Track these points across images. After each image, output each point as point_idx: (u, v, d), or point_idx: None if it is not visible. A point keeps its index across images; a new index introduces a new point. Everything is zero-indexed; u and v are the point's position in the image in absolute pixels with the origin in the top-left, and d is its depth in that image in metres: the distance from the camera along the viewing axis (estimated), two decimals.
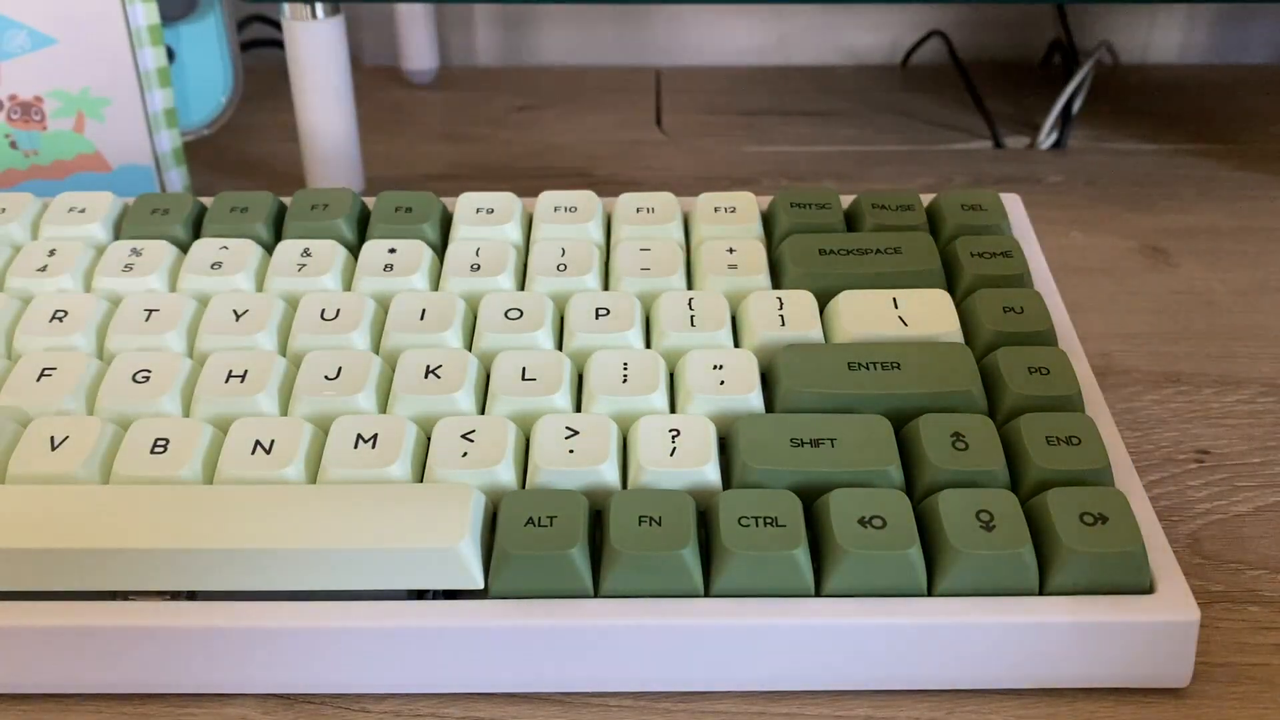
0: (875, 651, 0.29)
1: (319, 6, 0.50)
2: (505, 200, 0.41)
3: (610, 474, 0.31)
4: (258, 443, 0.31)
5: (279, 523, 0.29)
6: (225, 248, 0.38)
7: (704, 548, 0.30)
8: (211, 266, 0.38)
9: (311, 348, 0.35)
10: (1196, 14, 0.66)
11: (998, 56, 0.67)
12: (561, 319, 0.37)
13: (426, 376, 0.33)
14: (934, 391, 0.33)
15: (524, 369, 0.34)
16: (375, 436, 0.32)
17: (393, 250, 0.38)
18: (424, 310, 0.36)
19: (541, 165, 0.57)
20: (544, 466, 0.31)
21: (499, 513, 0.30)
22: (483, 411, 0.34)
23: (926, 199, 0.42)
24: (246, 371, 0.34)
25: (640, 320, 0.36)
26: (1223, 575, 0.33)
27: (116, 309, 0.36)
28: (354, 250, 0.39)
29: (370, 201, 0.41)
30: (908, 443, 0.32)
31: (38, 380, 0.33)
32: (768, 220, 0.41)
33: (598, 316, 0.36)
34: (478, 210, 0.40)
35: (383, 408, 0.33)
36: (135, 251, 0.38)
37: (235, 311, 0.36)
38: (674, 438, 0.32)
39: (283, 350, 0.36)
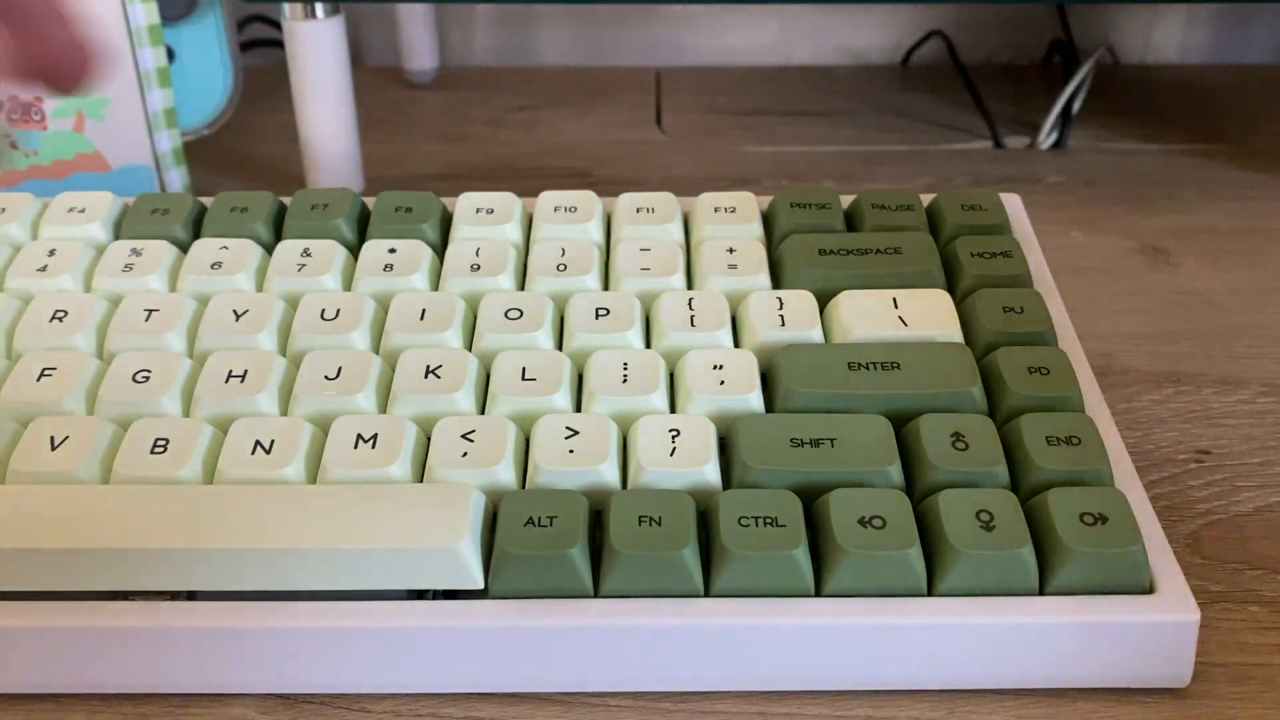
0: (875, 651, 0.29)
1: (319, 6, 0.50)
2: (505, 200, 0.41)
3: (610, 474, 0.31)
4: (258, 443, 0.31)
5: (279, 523, 0.29)
6: (225, 248, 0.38)
7: (704, 548, 0.30)
8: (211, 266, 0.38)
9: (311, 348, 0.35)
10: (1196, 14, 0.66)
11: (998, 56, 0.67)
12: (561, 319, 0.37)
13: (426, 376, 0.33)
14: (934, 391, 0.33)
15: (524, 369, 0.34)
16: (375, 436, 0.32)
17: (393, 250, 0.38)
18: (424, 310, 0.36)
19: (541, 165, 0.57)
20: (544, 466, 0.31)
21: (499, 513, 0.30)
22: (483, 411, 0.34)
23: (926, 199, 0.42)
24: (246, 371, 0.34)
25: (640, 320, 0.36)
26: (1223, 575, 0.33)
27: (116, 309, 0.36)
28: (354, 250, 0.39)
29: (370, 201, 0.41)
30: (908, 443, 0.32)
31: (38, 380, 0.33)
32: (768, 220, 0.41)
33: (598, 316, 0.36)
34: (478, 210, 0.40)
35: (383, 408, 0.33)
36: (135, 251, 0.38)
37: (235, 311, 0.36)
38: (674, 438, 0.32)
39: (283, 350, 0.36)
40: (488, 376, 0.34)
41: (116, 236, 0.40)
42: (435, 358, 0.34)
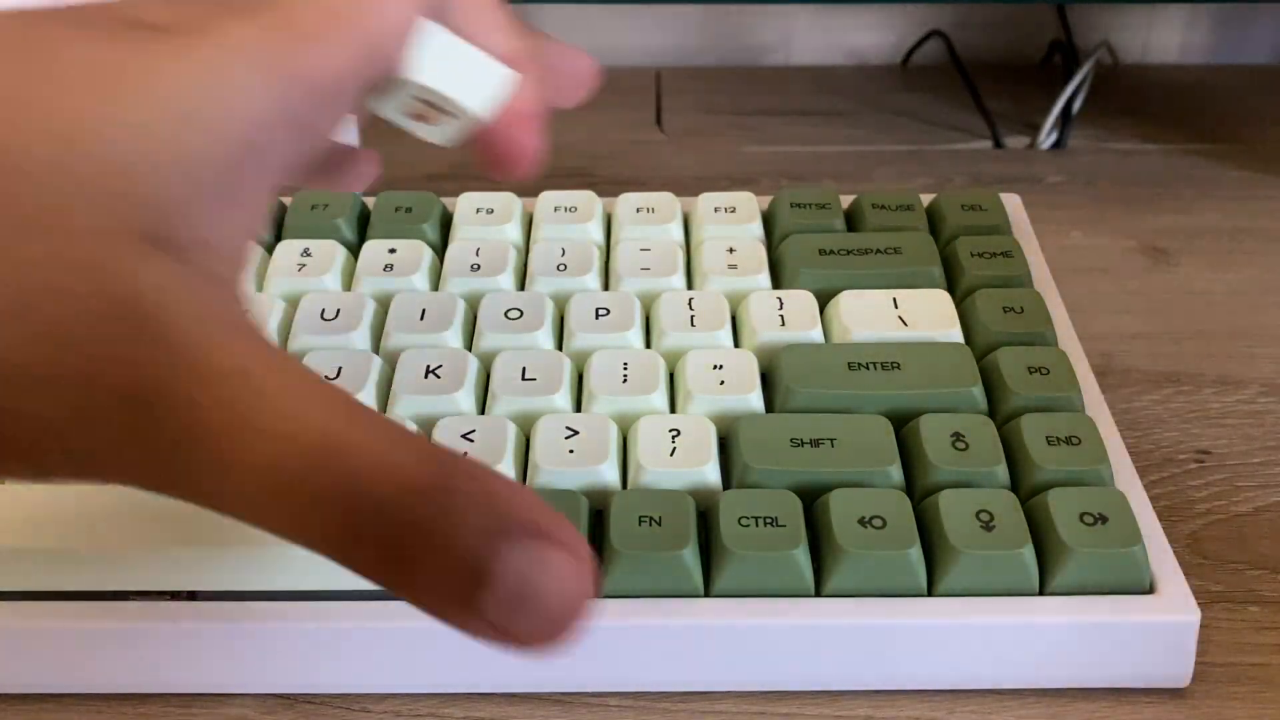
0: (875, 651, 0.29)
1: None
2: (505, 200, 0.41)
3: (610, 474, 0.31)
4: None
5: None
6: None
7: (704, 548, 0.30)
8: None
9: (312, 348, 0.35)
10: (1196, 14, 0.66)
11: (998, 56, 0.67)
12: (561, 319, 0.37)
13: (426, 376, 0.33)
14: (934, 391, 0.33)
15: (524, 369, 0.34)
16: None
17: (393, 250, 0.38)
18: (424, 310, 0.36)
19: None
20: (544, 466, 0.31)
21: None
22: (483, 411, 0.34)
23: (926, 199, 0.42)
24: None
25: (640, 320, 0.36)
26: (1223, 575, 0.33)
27: None
28: (354, 250, 0.39)
29: (370, 201, 0.41)
30: (908, 443, 0.32)
31: None
32: (768, 220, 0.41)
33: (598, 316, 0.36)
34: (478, 210, 0.40)
35: (382, 408, 0.33)
36: None
37: None
38: (674, 438, 0.32)
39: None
40: (488, 376, 0.34)
41: None
42: (435, 358, 0.34)
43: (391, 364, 0.35)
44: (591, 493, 0.31)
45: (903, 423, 0.33)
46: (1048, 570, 0.29)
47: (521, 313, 0.36)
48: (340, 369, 0.34)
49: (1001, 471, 0.31)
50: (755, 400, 0.33)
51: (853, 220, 0.41)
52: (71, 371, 0.19)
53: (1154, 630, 0.29)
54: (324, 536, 0.19)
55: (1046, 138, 0.57)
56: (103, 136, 0.19)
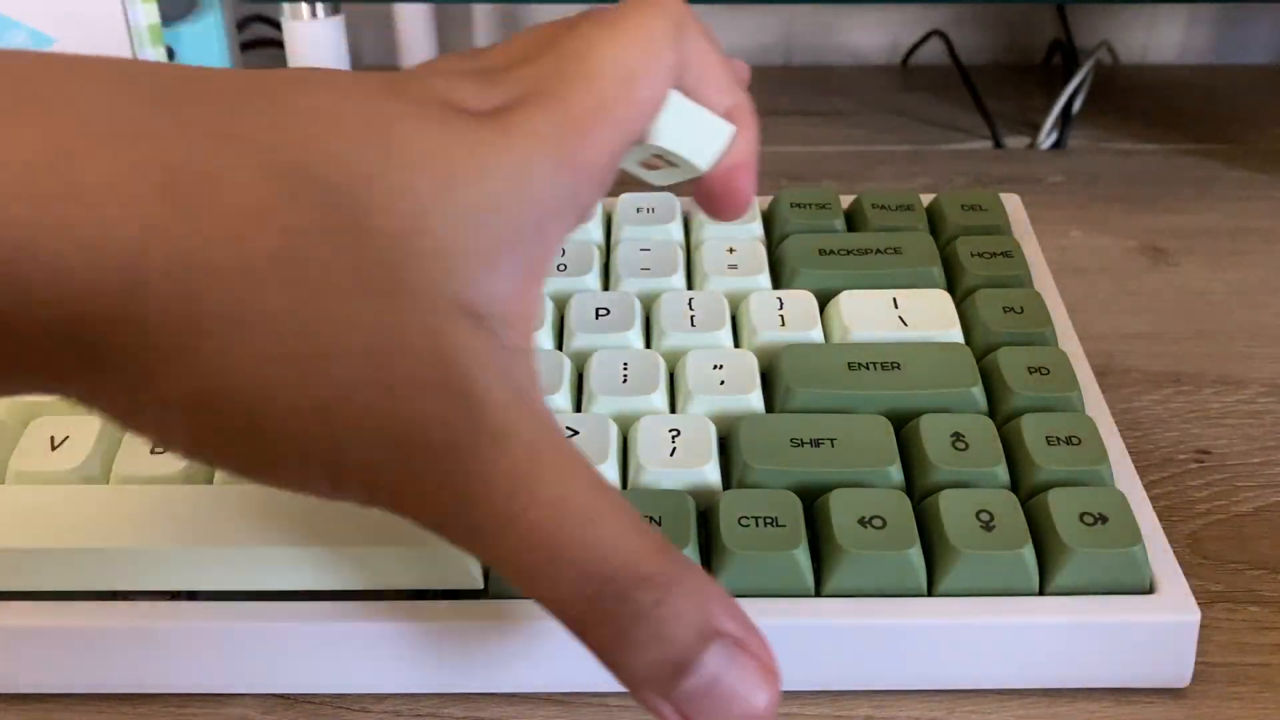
0: (875, 651, 0.29)
1: (319, 6, 0.50)
2: None
3: (610, 474, 0.31)
4: None
5: (280, 522, 0.29)
6: None
7: (704, 548, 0.30)
8: None
9: None
10: (1196, 14, 0.66)
11: (998, 56, 0.67)
12: (561, 319, 0.37)
13: None
14: (934, 391, 0.33)
15: None
16: None
17: None
18: None
19: None
20: None
21: None
22: None
23: (926, 199, 0.42)
24: None
25: (640, 320, 0.36)
26: (1223, 575, 0.33)
27: None
28: None
29: None
30: (908, 443, 0.32)
31: None
32: (768, 220, 0.41)
33: (598, 316, 0.36)
34: None
35: None
36: None
37: None
38: (674, 438, 0.32)
39: None
40: None
41: None
42: None
43: None
44: None
45: (903, 423, 0.33)
46: (1048, 570, 0.29)
47: None
48: None
49: (1001, 471, 0.31)
50: (755, 400, 0.33)
51: (853, 220, 0.41)
52: (396, 419, 0.21)
53: (1154, 630, 0.29)
54: (555, 595, 0.22)
55: (1046, 138, 0.57)
56: (441, 220, 0.21)
